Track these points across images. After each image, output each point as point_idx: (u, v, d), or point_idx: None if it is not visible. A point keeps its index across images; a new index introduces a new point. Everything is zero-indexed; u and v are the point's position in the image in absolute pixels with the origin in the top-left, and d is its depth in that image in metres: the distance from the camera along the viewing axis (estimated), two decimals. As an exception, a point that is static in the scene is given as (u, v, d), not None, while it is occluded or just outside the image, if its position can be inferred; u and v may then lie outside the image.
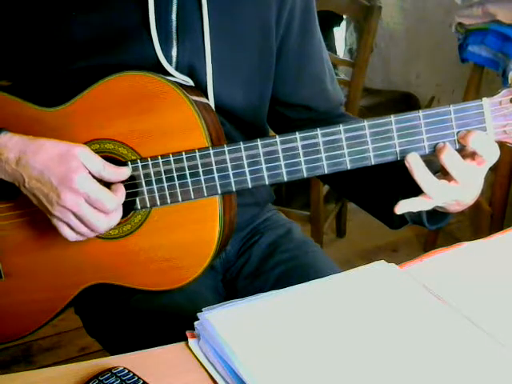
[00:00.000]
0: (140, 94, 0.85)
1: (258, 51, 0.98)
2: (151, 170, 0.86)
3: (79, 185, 0.80)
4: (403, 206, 0.81)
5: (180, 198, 0.86)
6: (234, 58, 0.96)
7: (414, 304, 0.75)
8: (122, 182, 0.85)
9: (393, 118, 0.79)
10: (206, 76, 0.93)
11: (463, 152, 0.79)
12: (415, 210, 0.81)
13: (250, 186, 0.85)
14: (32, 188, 0.82)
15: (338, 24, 3.37)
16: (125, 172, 0.85)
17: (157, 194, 0.86)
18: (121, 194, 0.84)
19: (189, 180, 0.85)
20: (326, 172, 0.83)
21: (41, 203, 0.83)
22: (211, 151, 0.84)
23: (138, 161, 0.86)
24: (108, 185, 0.84)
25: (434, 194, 0.79)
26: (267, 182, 0.84)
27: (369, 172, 0.85)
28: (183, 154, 0.84)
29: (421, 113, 0.79)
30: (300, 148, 0.82)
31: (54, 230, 0.84)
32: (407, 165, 0.79)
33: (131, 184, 0.86)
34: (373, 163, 0.81)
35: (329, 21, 3.14)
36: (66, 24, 0.90)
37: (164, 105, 0.85)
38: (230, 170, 0.84)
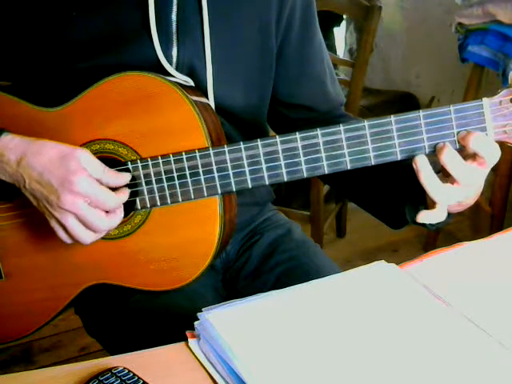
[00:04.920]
0: (140, 94, 0.85)
1: (258, 51, 0.98)
2: (151, 170, 0.86)
3: (79, 187, 0.80)
4: (426, 216, 0.81)
5: (180, 198, 0.86)
6: (234, 58, 0.96)
7: (414, 304, 0.75)
8: (122, 182, 0.86)
9: (393, 118, 0.79)
10: (206, 76, 0.93)
11: (465, 153, 0.79)
12: (433, 221, 0.81)
13: (250, 186, 0.85)
14: (32, 189, 0.82)
15: (338, 24, 3.37)
16: (125, 177, 0.85)
17: (157, 194, 0.86)
18: (123, 194, 0.84)
19: (189, 180, 0.85)
20: (326, 172, 0.83)
21: (40, 204, 0.83)
22: (211, 151, 0.84)
23: (138, 161, 0.86)
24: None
25: (439, 198, 0.79)
26: (267, 182, 0.84)
27: (369, 172, 0.85)
28: (183, 154, 0.84)
29: (421, 113, 0.79)
30: (300, 148, 0.82)
31: (54, 230, 0.84)
32: (414, 166, 0.79)
33: (131, 184, 0.86)
34: (373, 163, 0.81)
35: (329, 21, 3.14)
36: (67, 24, 0.90)
37: (164, 105, 0.85)
38: (230, 170, 0.84)
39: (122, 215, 0.85)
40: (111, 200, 0.82)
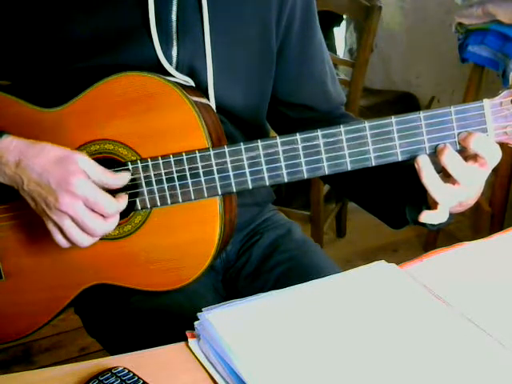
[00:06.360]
0: (140, 94, 0.85)
1: (258, 51, 0.98)
2: (151, 171, 0.86)
3: (77, 188, 0.80)
4: (428, 217, 0.81)
5: (180, 199, 0.86)
6: (235, 57, 0.96)
7: (414, 304, 0.75)
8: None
9: (393, 119, 0.79)
10: (206, 76, 0.93)
11: (466, 154, 0.79)
12: (435, 222, 0.81)
13: (250, 186, 0.85)
14: (31, 190, 0.82)
15: (338, 24, 3.37)
16: (124, 178, 0.85)
17: (157, 195, 0.86)
18: (122, 200, 0.84)
19: (189, 181, 0.85)
20: (327, 173, 0.83)
21: (38, 206, 0.83)
22: (211, 152, 0.84)
23: (138, 161, 0.86)
24: (109, 192, 0.84)
25: (440, 198, 0.79)
26: (268, 183, 0.84)
27: (370, 171, 0.85)
28: (183, 154, 0.84)
29: (421, 114, 0.79)
30: (300, 149, 0.82)
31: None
32: (416, 165, 0.79)
33: (131, 185, 0.86)
34: (373, 164, 0.81)
35: (329, 21, 3.14)
36: (66, 24, 0.90)
37: (164, 105, 0.85)
38: (230, 170, 0.84)
39: (118, 220, 0.85)
40: (110, 205, 0.82)
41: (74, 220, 0.81)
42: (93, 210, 0.81)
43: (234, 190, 0.85)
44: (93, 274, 0.91)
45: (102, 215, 0.82)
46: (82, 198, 0.80)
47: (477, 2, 2.04)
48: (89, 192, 0.80)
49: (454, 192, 0.79)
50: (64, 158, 0.81)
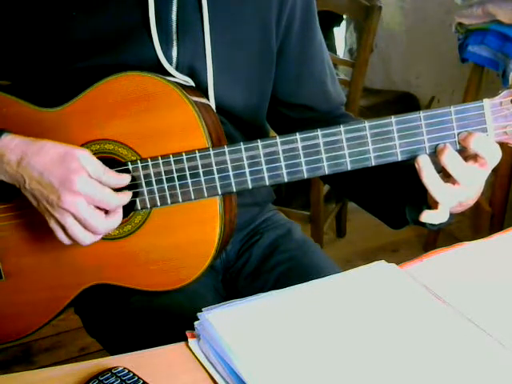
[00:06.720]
0: (140, 94, 0.85)
1: (258, 51, 0.98)
2: (151, 171, 0.86)
3: (79, 186, 0.80)
4: (428, 216, 0.81)
5: (180, 199, 0.86)
6: (235, 57, 0.96)
7: (414, 304, 0.75)
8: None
9: (393, 118, 0.79)
10: (206, 76, 0.93)
11: (466, 153, 0.79)
12: (436, 222, 0.82)
13: (250, 186, 0.85)
14: (32, 189, 0.82)
15: (338, 24, 3.37)
16: (125, 178, 0.85)
17: (157, 195, 0.86)
18: (125, 195, 0.84)
19: (189, 181, 0.85)
20: (327, 173, 0.83)
21: (40, 205, 0.83)
22: (211, 152, 0.84)
23: (138, 161, 0.86)
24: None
25: (440, 197, 0.79)
26: (267, 183, 0.84)
27: (370, 171, 0.85)
28: (183, 154, 0.84)
29: (421, 114, 0.79)
30: (300, 149, 0.82)
31: (54, 230, 0.84)
32: (416, 165, 0.79)
33: (131, 185, 0.86)
34: (373, 164, 0.81)
35: (329, 21, 3.14)
36: (66, 24, 0.90)
37: (164, 105, 0.85)
38: (230, 170, 0.84)
39: (121, 218, 0.85)
40: (112, 199, 0.82)
41: (76, 218, 0.81)
42: (95, 208, 0.81)
43: (234, 190, 0.85)
44: (93, 274, 0.91)
45: (105, 212, 0.82)
46: (85, 196, 0.80)
47: (477, 1, 2.04)
48: (90, 189, 0.81)
49: (454, 192, 0.79)
50: (65, 156, 0.81)
